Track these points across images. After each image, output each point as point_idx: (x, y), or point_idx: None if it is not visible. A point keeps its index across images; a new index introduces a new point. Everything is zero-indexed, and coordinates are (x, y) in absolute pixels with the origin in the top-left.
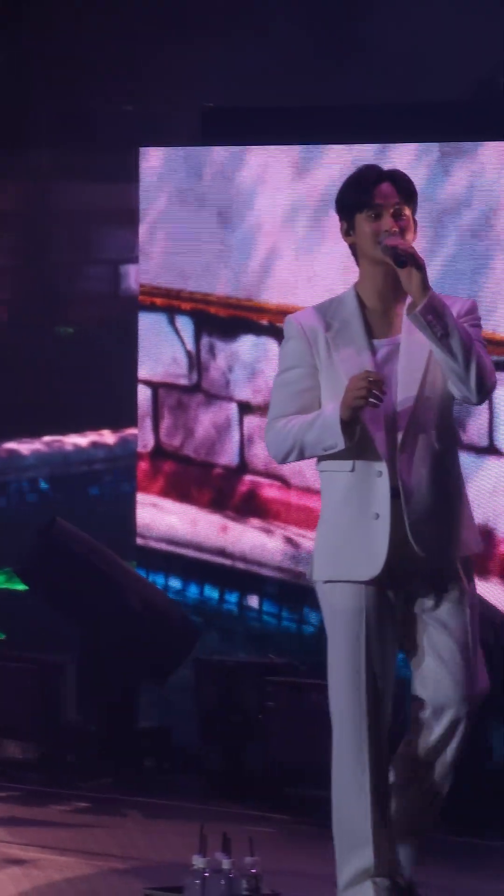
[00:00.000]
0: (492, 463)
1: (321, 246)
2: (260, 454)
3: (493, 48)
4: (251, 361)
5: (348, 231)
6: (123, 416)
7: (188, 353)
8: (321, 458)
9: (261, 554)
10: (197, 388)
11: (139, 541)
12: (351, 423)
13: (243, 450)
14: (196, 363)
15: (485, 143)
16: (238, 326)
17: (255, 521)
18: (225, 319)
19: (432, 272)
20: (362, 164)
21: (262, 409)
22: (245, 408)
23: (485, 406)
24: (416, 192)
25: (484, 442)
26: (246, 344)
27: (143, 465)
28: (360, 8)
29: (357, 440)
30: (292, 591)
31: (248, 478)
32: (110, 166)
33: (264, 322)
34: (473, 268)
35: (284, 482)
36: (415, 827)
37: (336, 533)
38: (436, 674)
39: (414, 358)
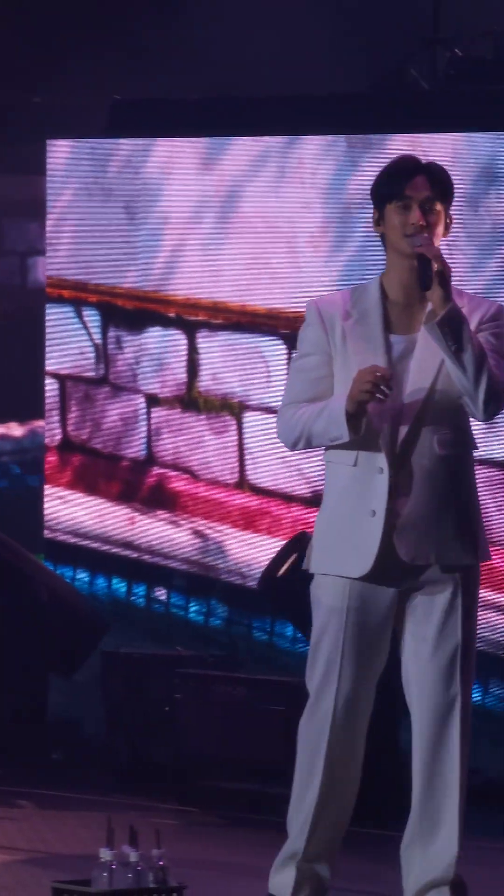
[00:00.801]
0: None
1: (228, 238)
2: (167, 446)
3: (400, 41)
4: (158, 354)
5: (378, 221)
6: (30, 408)
7: (95, 346)
8: (327, 449)
9: (168, 546)
10: (104, 380)
11: (47, 533)
12: (356, 415)
13: (150, 442)
14: (103, 356)
15: (392, 135)
16: (145, 319)
17: (163, 514)
18: (132, 312)
19: (340, 265)
20: (400, 154)
21: (169, 402)
22: (152, 400)
23: None
24: (451, 187)
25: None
26: (153, 336)
27: (50, 458)
28: (269, 3)
29: (363, 434)
30: (200, 583)
31: (155, 470)
32: (18, 158)
33: (171, 314)
34: (382, 259)
35: (192, 474)
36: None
37: (332, 526)
38: (420, 683)
39: (428, 359)
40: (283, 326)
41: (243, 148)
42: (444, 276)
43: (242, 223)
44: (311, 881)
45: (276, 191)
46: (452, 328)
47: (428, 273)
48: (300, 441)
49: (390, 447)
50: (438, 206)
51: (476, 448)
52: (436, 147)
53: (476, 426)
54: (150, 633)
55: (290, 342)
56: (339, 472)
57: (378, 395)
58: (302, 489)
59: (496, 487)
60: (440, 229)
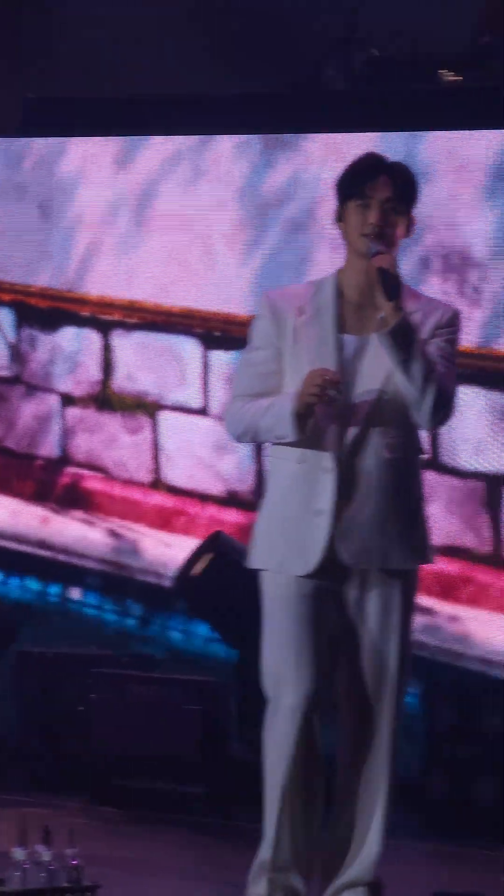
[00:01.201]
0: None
1: (143, 237)
2: (81, 446)
3: (315, 40)
4: (72, 353)
5: (340, 217)
6: None
7: (9, 345)
8: (273, 444)
9: (83, 546)
10: (18, 379)
11: None
12: (304, 416)
13: (65, 441)
14: (17, 354)
15: (308, 135)
16: (59, 318)
17: (78, 513)
18: (45, 311)
19: (255, 265)
20: (367, 151)
21: (83, 401)
22: (67, 399)
23: None
24: (414, 188)
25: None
26: (67, 335)
27: None
28: (184, 1)
29: (311, 433)
30: (115, 582)
31: (69, 469)
32: None
33: (85, 314)
34: (298, 260)
35: (107, 474)
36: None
37: (276, 523)
38: (358, 681)
39: (379, 361)
40: (197, 326)
41: (158, 147)
42: (397, 278)
43: (157, 222)
44: (285, 893)
45: (190, 190)
46: (402, 338)
47: (390, 284)
48: (246, 435)
49: (337, 447)
50: (399, 208)
51: (424, 453)
52: (351, 147)
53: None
54: (64, 633)
55: (206, 341)
56: (284, 468)
57: (326, 399)
58: (217, 488)
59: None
60: (400, 231)
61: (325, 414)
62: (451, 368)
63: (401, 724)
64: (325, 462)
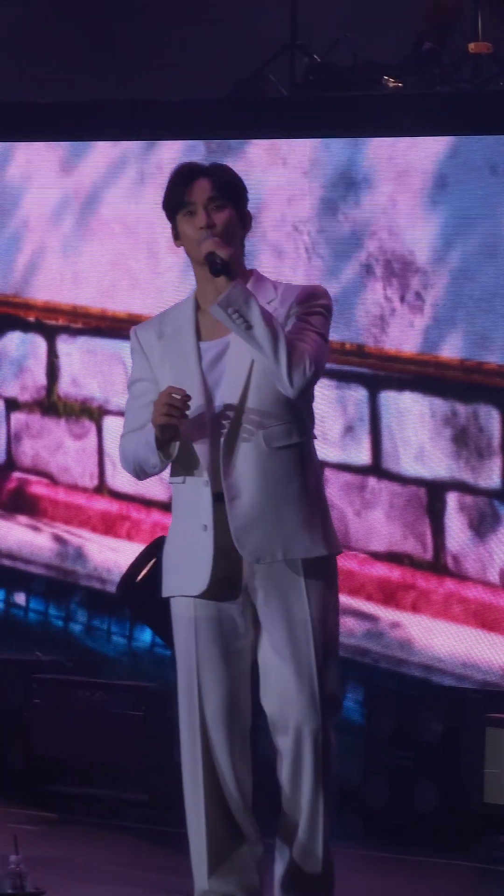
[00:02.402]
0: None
1: (88, 243)
2: (27, 451)
3: (257, 46)
4: (18, 358)
5: (176, 235)
6: None
7: None
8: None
9: (28, 551)
10: None
11: None
12: (164, 441)
13: (10, 447)
14: None
15: (251, 140)
16: (4, 323)
17: (23, 518)
18: None
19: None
20: (179, 163)
21: (28, 406)
22: (12, 404)
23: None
24: (238, 185)
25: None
26: (13, 341)
27: None
28: (127, 7)
29: (185, 453)
30: (60, 588)
31: (15, 475)
32: None
33: (31, 319)
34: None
35: (52, 479)
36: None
37: (171, 547)
38: (278, 685)
39: (239, 357)
40: None
41: (102, 153)
42: (227, 263)
43: (102, 228)
44: None
45: (135, 195)
46: (236, 306)
47: (212, 262)
48: (136, 471)
49: (212, 455)
50: (226, 204)
51: (314, 437)
52: (294, 153)
53: (334, 433)
54: (8, 638)
55: None
56: (176, 492)
57: (176, 419)
58: (161, 494)
59: (353, 492)
60: (233, 225)
61: (196, 425)
62: (310, 333)
63: (332, 729)
64: (203, 475)
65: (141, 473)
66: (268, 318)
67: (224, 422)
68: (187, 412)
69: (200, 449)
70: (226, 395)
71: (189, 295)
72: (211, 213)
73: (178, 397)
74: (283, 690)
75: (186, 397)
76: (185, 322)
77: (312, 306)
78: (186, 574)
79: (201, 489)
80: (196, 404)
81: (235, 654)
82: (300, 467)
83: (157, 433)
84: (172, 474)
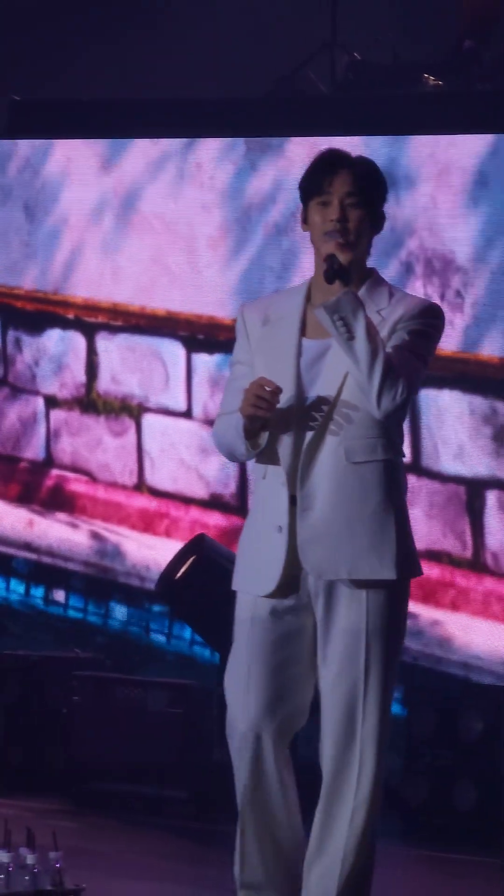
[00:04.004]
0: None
1: (127, 240)
2: (66, 448)
3: (298, 44)
4: (58, 355)
5: (305, 219)
6: None
7: None
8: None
9: (67, 548)
10: (3, 381)
11: None
12: (252, 432)
13: (49, 444)
14: (2, 357)
15: (291, 138)
16: (44, 321)
17: (62, 516)
18: (31, 313)
19: (236, 268)
20: (326, 148)
21: (68, 403)
22: (51, 402)
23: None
24: (380, 182)
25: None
26: (52, 338)
27: None
28: (168, 4)
29: (270, 448)
30: (98, 585)
31: (54, 472)
32: None
33: (70, 316)
34: (281, 263)
35: (91, 477)
36: None
37: (245, 543)
38: (323, 706)
39: (339, 363)
40: (182, 329)
41: (142, 150)
42: (344, 269)
43: (142, 225)
44: None
45: (175, 193)
46: (342, 314)
47: (332, 268)
48: (228, 454)
49: (293, 458)
50: (362, 202)
51: (403, 456)
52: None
53: None
54: (47, 635)
55: (189, 344)
56: (256, 486)
57: (264, 412)
58: (200, 491)
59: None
60: (365, 226)
61: (282, 422)
62: (410, 356)
63: (383, 743)
64: (282, 475)
65: (231, 457)
66: (372, 333)
67: (311, 424)
68: (277, 405)
69: (283, 448)
70: (317, 399)
71: (304, 282)
72: (346, 208)
73: (269, 389)
74: (325, 715)
75: (277, 390)
76: (292, 312)
77: (422, 324)
78: (256, 573)
79: (279, 489)
80: (287, 401)
81: (291, 656)
82: (380, 485)
83: (246, 423)
84: (255, 466)
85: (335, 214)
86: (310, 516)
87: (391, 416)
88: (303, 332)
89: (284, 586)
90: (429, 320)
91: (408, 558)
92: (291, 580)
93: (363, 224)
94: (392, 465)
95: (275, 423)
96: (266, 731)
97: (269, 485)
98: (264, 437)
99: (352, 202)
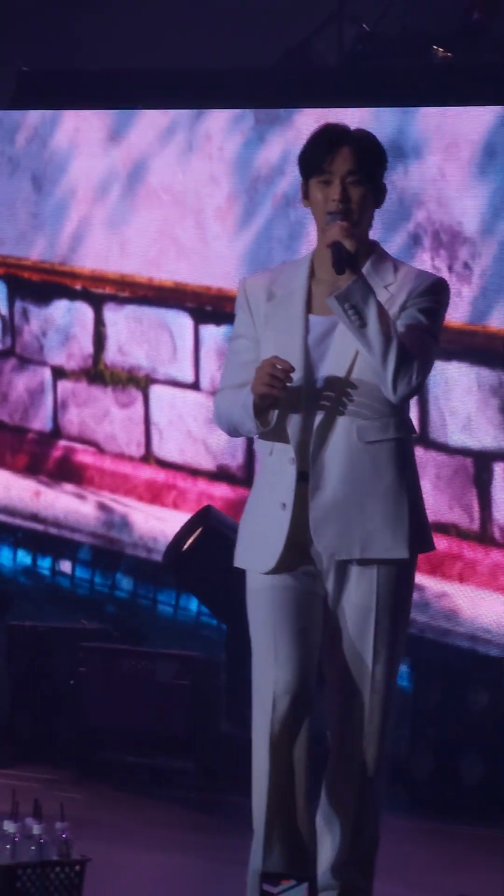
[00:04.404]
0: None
1: (135, 211)
2: (73, 419)
3: (306, 15)
4: (65, 326)
5: (305, 195)
6: None
7: (1, 318)
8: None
9: (74, 519)
10: (10, 352)
11: None
12: (262, 409)
13: (57, 415)
14: (9, 327)
15: (299, 109)
16: (51, 291)
17: (69, 487)
18: (38, 284)
19: (244, 239)
20: (326, 122)
21: (75, 374)
22: (58, 373)
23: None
24: (381, 156)
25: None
26: (59, 309)
27: None
28: None
29: (278, 424)
30: (105, 557)
31: (61, 443)
32: None
33: (78, 287)
34: (289, 234)
35: (99, 448)
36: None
37: (248, 519)
38: (329, 682)
39: (348, 340)
40: (189, 300)
41: (150, 121)
42: (352, 256)
43: (149, 196)
44: None
45: (183, 164)
46: (353, 302)
47: (341, 257)
48: (229, 430)
49: (302, 436)
50: (364, 178)
51: (414, 433)
52: (343, 122)
53: None
54: (54, 606)
55: (197, 316)
56: (261, 461)
57: (278, 390)
58: (208, 463)
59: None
60: (367, 203)
61: (291, 400)
62: (423, 337)
63: (389, 718)
64: (290, 452)
65: (234, 433)
66: (383, 318)
67: (321, 402)
68: (288, 384)
69: (292, 425)
70: (327, 376)
71: (305, 255)
72: (348, 187)
73: (282, 368)
74: (332, 691)
75: (290, 369)
76: (297, 288)
77: (432, 301)
78: (258, 549)
79: (286, 465)
80: (295, 378)
81: (310, 625)
82: (392, 463)
83: (256, 400)
84: (260, 442)
85: (337, 194)
86: (322, 495)
87: (407, 398)
88: (308, 307)
89: (286, 563)
90: (438, 296)
91: (420, 535)
92: (294, 556)
93: (366, 201)
94: (404, 443)
95: (284, 401)
96: (298, 703)
97: (275, 461)
98: (274, 416)
99: (353, 180)
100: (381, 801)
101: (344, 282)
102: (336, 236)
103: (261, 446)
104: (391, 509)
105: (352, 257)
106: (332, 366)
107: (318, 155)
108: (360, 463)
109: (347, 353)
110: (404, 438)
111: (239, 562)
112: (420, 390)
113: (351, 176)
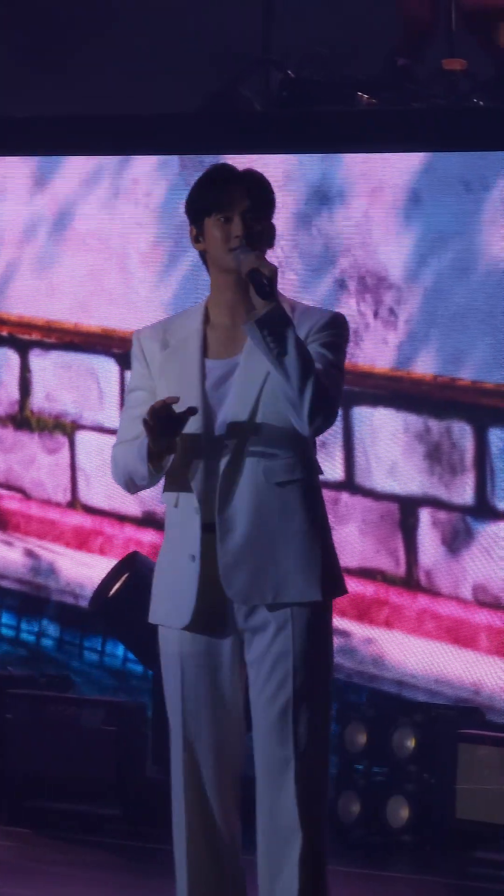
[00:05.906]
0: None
1: (62, 257)
2: (0, 465)
3: (230, 60)
4: None
5: (198, 237)
6: None
7: None
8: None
9: (0, 566)
10: None
11: None
12: (155, 454)
13: None
14: None
15: (225, 155)
16: None
17: None
18: None
19: (170, 285)
20: (214, 164)
21: (1, 421)
22: None
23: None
24: (271, 195)
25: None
26: None
27: None
28: (98, 19)
29: (180, 473)
30: (32, 603)
31: None
32: None
33: (4, 333)
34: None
35: (24, 494)
36: None
37: (159, 574)
38: (254, 732)
39: (249, 381)
40: (116, 346)
41: (76, 167)
42: (273, 282)
43: (76, 242)
44: None
45: (109, 210)
46: (273, 329)
47: (262, 282)
48: (127, 482)
49: (206, 483)
50: (262, 216)
51: (321, 473)
52: (268, 168)
53: None
54: None
55: (124, 362)
56: (168, 514)
57: (157, 430)
58: (134, 509)
59: (327, 508)
60: (266, 240)
61: (192, 446)
62: (331, 371)
63: (320, 781)
64: (195, 502)
65: (131, 485)
66: (301, 348)
67: (223, 449)
68: (184, 424)
69: (194, 473)
70: (228, 420)
71: (198, 303)
72: (249, 223)
73: (161, 405)
74: (257, 741)
75: (191, 411)
76: (192, 334)
77: (333, 336)
78: (171, 604)
79: (192, 516)
80: (194, 425)
81: (225, 694)
82: (301, 504)
83: (150, 444)
84: (165, 491)
85: (239, 230)
86: (230, 540)
87: (320, 431)
88: (205, 353)
89: (202, 617)
90: (338, 330)
91: (333, 578)
92: (208, 609)
93: (264, 238)
94: (312, 484)
95: (183, 449)
96: (210, 771)
97: (180, 512)
98: (168, 461)
99: (252, 216)
100: (324, 855)
101: (260, 307)
102: (253, 264)
103: (166, 499)
104: (303, 551)
105: (273, 285)
106: (233, 409)
107: (214, 194)
108: (269, 505)
109: (250, 395)
110: (312, 479)
111: (154, 618)
112: (332, 425)
113: (249, 213)
